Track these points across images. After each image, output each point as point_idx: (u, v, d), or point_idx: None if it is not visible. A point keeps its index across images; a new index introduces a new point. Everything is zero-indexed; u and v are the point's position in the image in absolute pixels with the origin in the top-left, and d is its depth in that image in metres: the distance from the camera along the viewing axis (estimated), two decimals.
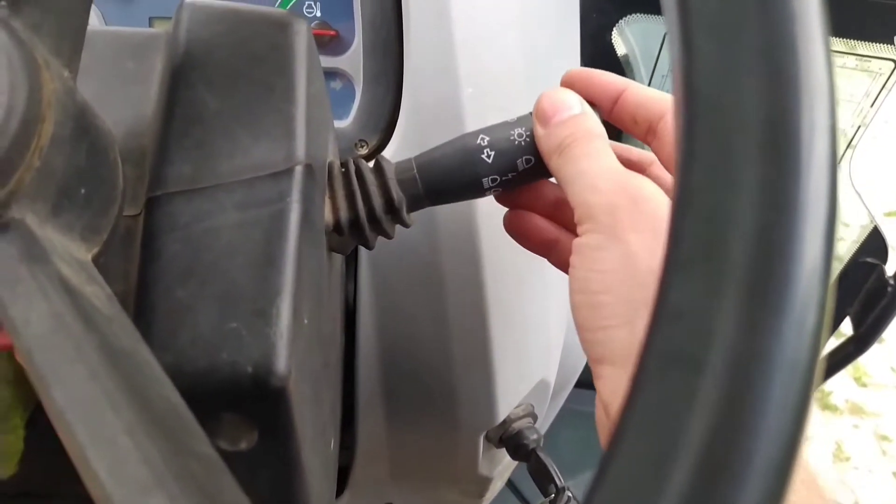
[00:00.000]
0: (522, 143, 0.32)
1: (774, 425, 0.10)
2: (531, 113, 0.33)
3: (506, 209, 0.36)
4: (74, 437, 0.14)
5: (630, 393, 0.11)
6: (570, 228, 0.35)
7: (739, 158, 0.12)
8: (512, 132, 0.32)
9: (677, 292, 0.11)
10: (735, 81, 0.12)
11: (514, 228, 0.36)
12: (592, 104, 0.33)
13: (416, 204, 0.33)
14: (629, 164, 0.31)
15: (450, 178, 0.32)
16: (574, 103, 0.32)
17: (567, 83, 0.34)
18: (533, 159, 0.32)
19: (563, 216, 0.35)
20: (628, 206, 0.27)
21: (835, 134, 0.12)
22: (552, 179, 0.34)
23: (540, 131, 0.32)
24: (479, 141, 0.32)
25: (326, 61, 0.42)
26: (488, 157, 0.32)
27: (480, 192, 0.33)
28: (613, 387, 0.27)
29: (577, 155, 0.30)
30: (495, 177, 0.32)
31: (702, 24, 0.13)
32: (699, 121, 0.12)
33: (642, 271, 0.26)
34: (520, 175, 0.33)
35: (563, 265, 0.35)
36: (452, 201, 0.34)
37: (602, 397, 0.27)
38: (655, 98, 0.32)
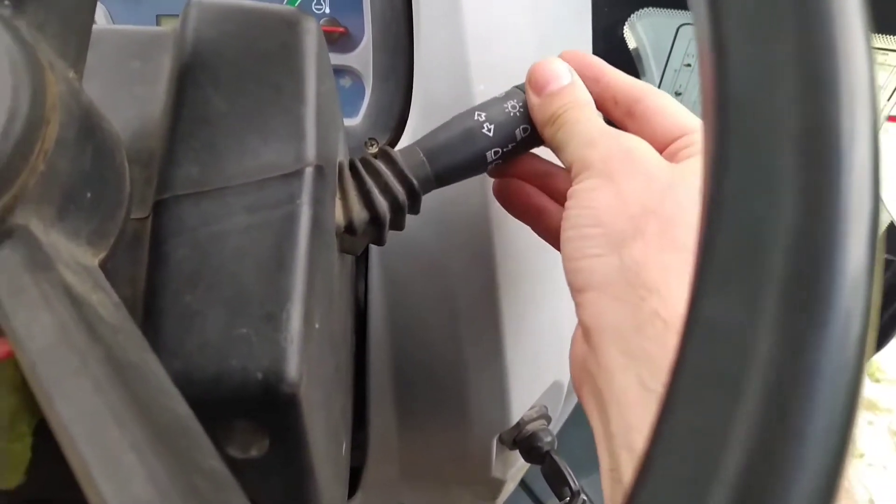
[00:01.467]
0: (517, 113, 0.34)
1: (816, 454, 0.09)
2: (516, 87, 0.35)
3: None
4: (79, 453, 0.13)
5: (661, 414, 0.11)
6: (558, 199, 0.37)
7: (777, 165, 0.11)
8: (506, 105, 0.34)
9: (712, 305, 0.11)
10: (772, 84, 0.11)
11: (503, 194, 0.38)
12: None
13: (424, 188, 0.34)
14: None
15: (456, 158, 0.34)
16: (564, 73, 0.34)
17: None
18: (529, 128, 0.34)
19: (552, 187, 0.37)
20: (622, 156, 0.30)
21: (877, 138, 0.11)
22: (543, 148, 0.36)
23: (534, 100, 0.34)
24: (476, 117, 0.34)
25: (336, 58, 0.42)
26: (489, 130, 0.34)
27: (484, 166, 0.35)
28: (597, 309, 0.28)
29: (571, 121, 0.32)
30: (497, 149, 0.34)
31: (735, 23, 0.12)
32: (733, 125, 0.12)
33: (632, 206, 0.28)
34: (518, 144, 0.35)
35: (549, 234, 0.37)
36: (457, 181, 0.35)
37: (583, 322, 0.29)
38: (635, 83, 0.35)
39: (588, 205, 0.30)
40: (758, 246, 0.10)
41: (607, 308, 0.27)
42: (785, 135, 0.11)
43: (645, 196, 0.29)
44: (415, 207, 0.34)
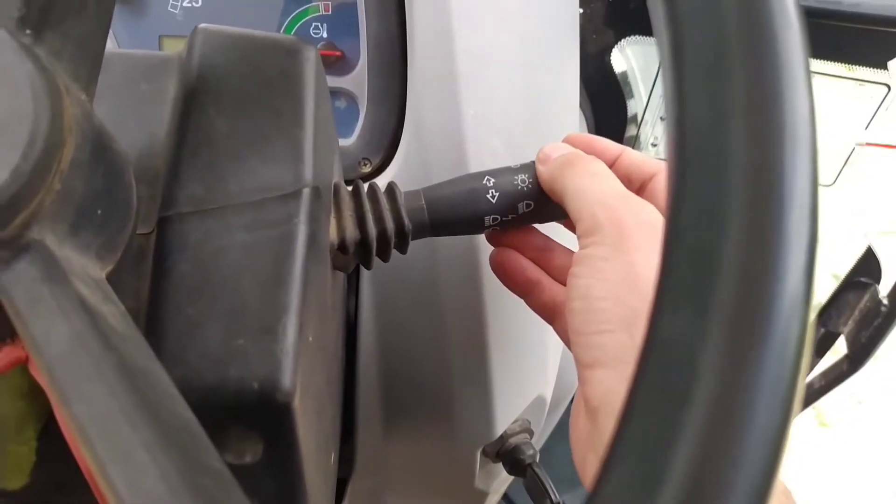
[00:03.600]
0: (525, 188, 0.35)
1: (754, 458, 0.11)
2: (533, 161, 0.36)
3: None
4: (95, 452, 0.15)
5: (619, 423, 0.12)
6: (553, 273, 0.37)
7: (726, 201, 0.12)
8: (516, 178, 0.35)
9: (666, 327, 0.12)
10: (724, 129, 0.13)
11: (499, 266, 0.38)
12: None
13: (419, 233, 0.35)
14: None
15: (455, 214, 0.34)
16: (572, 148, 0.35)
17: (569, 144, 0.37)
18: (533, 204, 0.35)
19: (548, 262, 0.37)
20: (635, 224, 0.29)
21: (816, 179, 0.13)
22: (540, 226, 0.37)
23: (541, 168, 0.34)
24: (485, 182, 0.35)
25: (332, 81, 0.43)
26: (493, 197, 0.34)
27: (480, 228, 0.35)
28: (606, 388, 0.27)
29: (582, 172, 0.32)
30: (496, 216, 0.35)
31: (694, 74, 0.13)
32: (689, 164, 0.13)
33: (643, 283, 0.28)
34: (519, 217, 0.35)
35: (541, 307, 0.37)
36: (453, 234, 0.36)
37: (591, 402, 0.28)
38: (647, 161, 0.35)
39: (599, 276, 0.29)
40: (707, 275, 0.12)
41: (617, 388, 0.27)
42: (733, 175, 0.12)
43: (654, 271, 0.28)
44: (402, 246, 0.34)
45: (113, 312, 0.20)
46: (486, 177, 0.35)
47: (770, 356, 0.11)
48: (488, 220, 0.35)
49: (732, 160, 0.13)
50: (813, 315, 0.12)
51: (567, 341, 0.36)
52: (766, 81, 0.13)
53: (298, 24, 0.44)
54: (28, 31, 0.20)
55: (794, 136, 0.13)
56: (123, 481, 0.14)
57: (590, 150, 0.36)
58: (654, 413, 0.11)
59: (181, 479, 0.14)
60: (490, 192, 0.34)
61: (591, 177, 0.31)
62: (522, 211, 0.35)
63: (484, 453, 0.48)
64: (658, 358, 0.12)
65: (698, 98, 0.13)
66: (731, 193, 0.12)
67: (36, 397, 0.23)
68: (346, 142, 0.43)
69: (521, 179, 0.35)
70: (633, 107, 0.75)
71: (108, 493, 0.14)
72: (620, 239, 0.29)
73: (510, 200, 0.35)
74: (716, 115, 0.13)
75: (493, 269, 0.38)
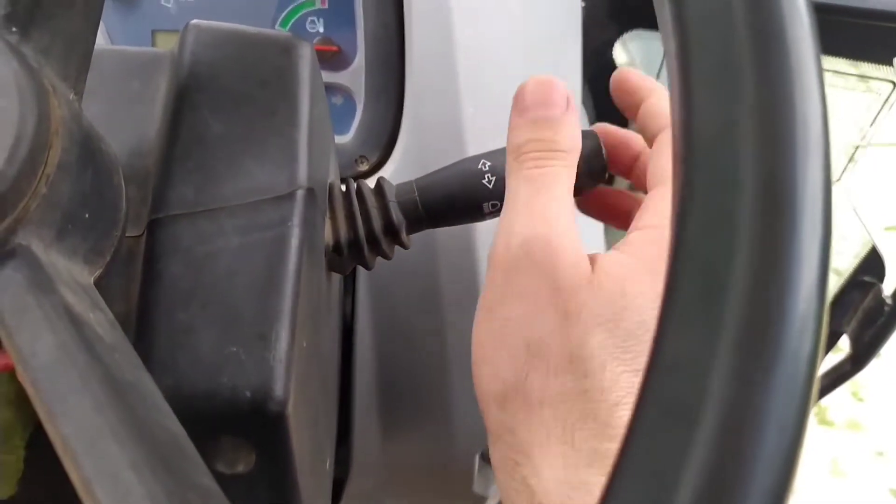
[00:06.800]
0: None
1: (764, 481, 0.10)
2: None
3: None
4: (80, 470, 0.14)
5: (625, 439, 0.11)
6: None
7: (734, 214, 0.12)
8: None
9: (674, 344, 0.12)
10: (733, 138, 0.12)
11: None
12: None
13: (415, 226, 0.33)
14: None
15: (451, 202, 0.33)
16: (559, 100, 0.29)
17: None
18: None
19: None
20: (518, 264, 0.27)
21: (829, 192, 0.12)
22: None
23: (513, 119, 0.30)
24: (480, 166, 0.32)
25: (328, 77, 0.43)
26: (489, 181, 0.32)
27: (480, 216, 0.33)
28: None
29: (533, 175, 0.28)
30: (495, 202, 0.32)
31: (701, 80, 0.13)
32: (696, 175, 0.12)
33: (514, 344, 0.27)
34: None
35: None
36: (452, 224, 0.34)
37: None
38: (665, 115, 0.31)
39: (479, 339, 0.29)
40: (716, 290, 0.11)
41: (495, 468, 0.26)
42: (743, 187, 0.12)
43: (529, 330, 0.26)
44: (399, 242, 0.33)
45: (100, 321, 0.19)
46: (482, 160, 0.33)
47: (781, 379, 0.11)
48: (487, 206, 0.32)
49: (741, 172, 0.12)
50: (824, 331, 0.12)
51: None
52: (777, 88, 0.12)
53: (294, 19, 0.43)
54: (14, 29, 0.20)
55: (805, 143, 0.12)
56: (109, 500, 0.14)
57: (624, 85, 0.33)
58: (662, 433, 0.11)
59: (168, 498, 0.14)
60: (486, 176, 0.32)
61: (533, 179, 0.28)
62: None
63: (482, 457, 0.48)
64: (666, 376, 0.11)
65: (706, 103, 0.13)
66: (739, 207, 0.12)
67: (24, 405, 0.23)
68: (342, 139, 0.42)
69: None
70: None
71: None
72: (500, 290, 0.28)
73: None
74: (725, 120, 0.13)
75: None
